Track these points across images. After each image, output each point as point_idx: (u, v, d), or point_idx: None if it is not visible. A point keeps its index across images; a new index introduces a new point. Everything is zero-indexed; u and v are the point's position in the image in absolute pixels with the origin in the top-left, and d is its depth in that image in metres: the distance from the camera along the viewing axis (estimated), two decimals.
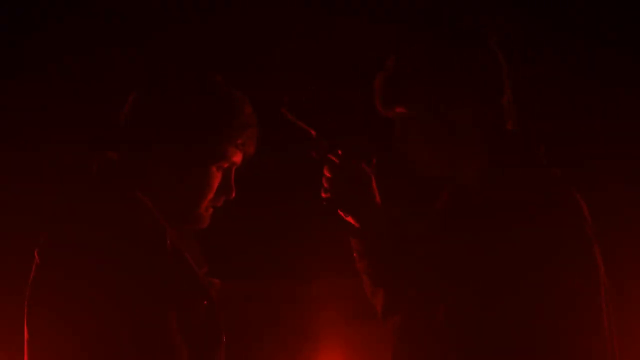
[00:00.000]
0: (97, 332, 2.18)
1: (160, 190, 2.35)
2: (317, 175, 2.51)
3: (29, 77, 3.83)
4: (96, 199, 2.32)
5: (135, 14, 3.90)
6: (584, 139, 3.72)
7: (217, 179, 2.38)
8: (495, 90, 2.33)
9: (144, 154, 2.35)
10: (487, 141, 2.34)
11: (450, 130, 2.33)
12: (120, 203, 2.30)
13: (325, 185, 2.47)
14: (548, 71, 3.67)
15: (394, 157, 2.37)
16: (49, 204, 2.35)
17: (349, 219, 2.47)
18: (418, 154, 2.38)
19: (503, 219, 2.25)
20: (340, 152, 2.47)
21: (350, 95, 3.94)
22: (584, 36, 3.72)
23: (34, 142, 3.83)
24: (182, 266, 2.31)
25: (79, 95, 3.86)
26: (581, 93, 3.72)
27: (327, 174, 2.47)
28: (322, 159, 2.48)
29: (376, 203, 2.47)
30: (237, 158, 2.40)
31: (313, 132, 2.46)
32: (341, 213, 2.46)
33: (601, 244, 2.32)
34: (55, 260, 2.24)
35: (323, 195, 2.48)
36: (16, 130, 3.84)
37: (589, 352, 2.24)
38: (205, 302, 2.34)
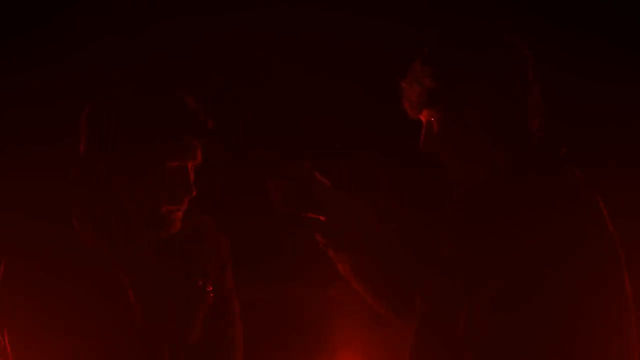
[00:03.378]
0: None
1: (124, 197, 2.36)
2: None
3: None
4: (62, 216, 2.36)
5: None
6: (606, 140, 3.70)
7: (175, 179, 2.37)
8: (519, 89, 2.33)
9: (106, 159, 2.35)
10: (508, 142, 2.34)
11: (471, 130, 2.33)
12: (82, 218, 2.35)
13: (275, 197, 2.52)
14: (571, 71, 3.66)
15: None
16: (11, 222, 2.39)
17: (310, 215, 2.51)
18: (442, 155, 2.38)
19: (522, 221, 2.25)
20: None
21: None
22: (605, 35, 3.71)
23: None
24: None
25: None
26: (605, 94, 3.71)
27: (271, 185, 2.52)
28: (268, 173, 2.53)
29: (330, 196, 2.50)
30: (193, 157, 2.39)
31: (272, 154, 2.51)
32: (303, 215, 2.52)
33: (623, 246, 2.30)
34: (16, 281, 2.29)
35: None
36: None
37: (613, 356, 2.23)
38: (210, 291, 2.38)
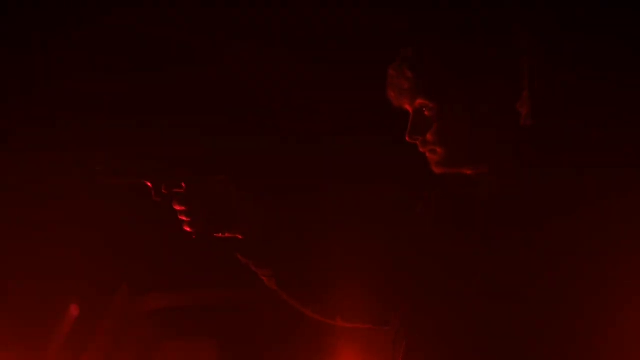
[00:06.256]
0: None
1: None
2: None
3: None
4: None
5: None
6: (602, 138, 3.68)
7: None
8: (517, 84, 2.29)
9: None
10: (500, 137, 2.29)
11: (468, 124, 2.28)
12: None
13: (186, 218, 2.36)
14: (570, 68, 3.64)
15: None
16: None
17: (227, 235, 2.38)
18: (433, 148, 2.31)
19: (518, 218, 2.23)
20: (182, 183, 2.36)
21: None
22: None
23: None
24: None
25: None
26: (608, 93, 3.69)
27: (179, 207, 2.36)
28: (169, 194, 2.37)
29: (248, 211, 2.37)
30: None
31: (149, 184, 2.37)
32: (219, 235, 2.38)
33: (624, 245, 2.25)
34: None
35: (188, 229, 2.36)
36: None
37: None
38: None
